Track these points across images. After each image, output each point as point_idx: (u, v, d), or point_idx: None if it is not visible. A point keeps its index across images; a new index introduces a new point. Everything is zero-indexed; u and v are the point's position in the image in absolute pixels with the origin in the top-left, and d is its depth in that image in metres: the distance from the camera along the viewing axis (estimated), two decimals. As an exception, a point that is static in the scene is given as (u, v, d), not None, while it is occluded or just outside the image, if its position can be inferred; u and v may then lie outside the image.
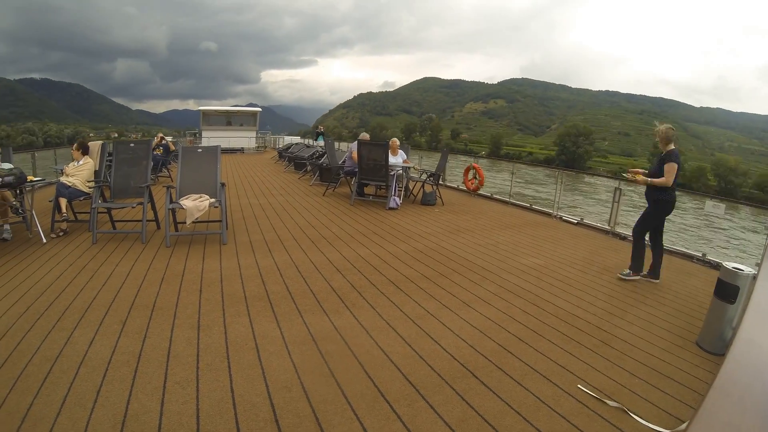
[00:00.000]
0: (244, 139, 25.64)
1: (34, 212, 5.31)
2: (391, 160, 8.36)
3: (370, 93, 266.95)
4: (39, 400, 2.25)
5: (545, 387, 2.56)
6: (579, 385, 2.56)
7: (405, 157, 9.11)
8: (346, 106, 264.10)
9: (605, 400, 2.41)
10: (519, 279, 4.43)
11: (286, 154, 16.68)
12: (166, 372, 2.54)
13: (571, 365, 2.82)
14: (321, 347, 2.89)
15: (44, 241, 5.17)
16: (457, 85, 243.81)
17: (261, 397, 2.33)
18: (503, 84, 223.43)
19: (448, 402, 2.36)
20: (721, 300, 3.16)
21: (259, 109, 27.87)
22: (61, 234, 5.47)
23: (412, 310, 3.55)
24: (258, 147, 26.69)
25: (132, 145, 6.06)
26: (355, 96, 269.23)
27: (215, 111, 26.74)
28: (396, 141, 8.98)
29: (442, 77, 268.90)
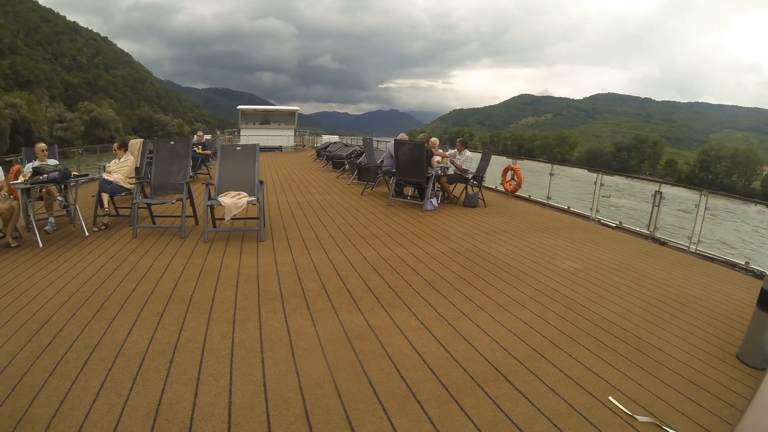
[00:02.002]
0: (282, 137, 25.91)
1: (77, 206, 5.53)
2: (437, 159, 8.30)
3: (462, 109, 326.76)
4: (77, 386, 2.33)
5: (578, 394, 2.48)
6: (610, 397, 2.47)
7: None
8: (442, 118, 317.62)
9: (636, 417, 2.30)
10: (555, 282, 4.32)
11: (324, 153, 16.77)
12: (201, 364, 2.59)
13: (605, 373, 2.73)
14: (355, 346, 2.89)
15: (87, 234, 5.37)
16: (539, 101, 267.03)
17: (293, 393, 2.34)
18: (583, 100, 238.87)
19: (480, 405, 2.32)
20: (764, 311, 2.96)
21: (297, 108, 28.16)
22: (102, 228, 5.68)
23: (447, 310, 3.51)
24: (296, 146, 26.95)
25: (172, 143, 6.23)
26: (450, 111, 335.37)
27: (254, 110, 27.12)
28: (435, 140, 8.89)
29: (535, 94, 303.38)
